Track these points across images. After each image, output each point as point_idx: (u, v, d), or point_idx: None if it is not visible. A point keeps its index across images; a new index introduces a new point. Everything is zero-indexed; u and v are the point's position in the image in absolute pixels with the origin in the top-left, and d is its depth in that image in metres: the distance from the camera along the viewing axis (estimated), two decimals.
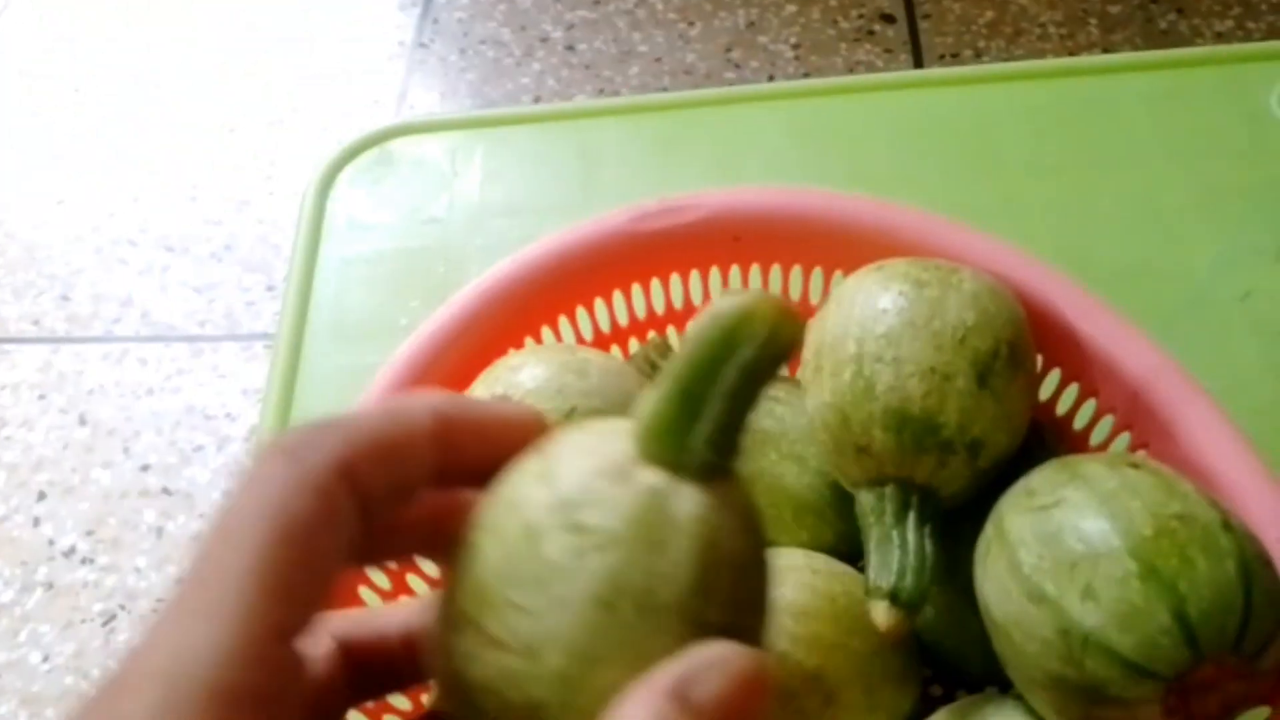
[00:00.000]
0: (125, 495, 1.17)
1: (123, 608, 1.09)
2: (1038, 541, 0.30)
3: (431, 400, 0.21)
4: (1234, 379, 0.52)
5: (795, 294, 0.43)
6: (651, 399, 0.20)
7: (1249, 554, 0.29)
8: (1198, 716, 0.28)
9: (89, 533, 1.14)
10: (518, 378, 0.36)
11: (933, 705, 0.41)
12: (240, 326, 1.27)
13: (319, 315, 0.55)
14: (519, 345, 0.41)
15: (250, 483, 0.18)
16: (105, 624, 1.08)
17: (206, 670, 0.16)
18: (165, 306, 1.29)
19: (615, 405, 0.36)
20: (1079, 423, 0.39)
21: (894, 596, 0.33)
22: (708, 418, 0.19)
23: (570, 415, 0.35)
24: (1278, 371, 0.52)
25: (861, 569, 0.35)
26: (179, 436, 1.20)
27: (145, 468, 1.18)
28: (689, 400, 0.19)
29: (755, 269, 0.43)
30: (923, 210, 0.40)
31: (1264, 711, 0.31)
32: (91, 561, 1.12)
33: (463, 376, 0.39)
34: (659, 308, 0.44)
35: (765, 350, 0.19)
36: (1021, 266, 0.38)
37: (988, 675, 0.37)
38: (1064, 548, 0.29)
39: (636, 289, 0.43)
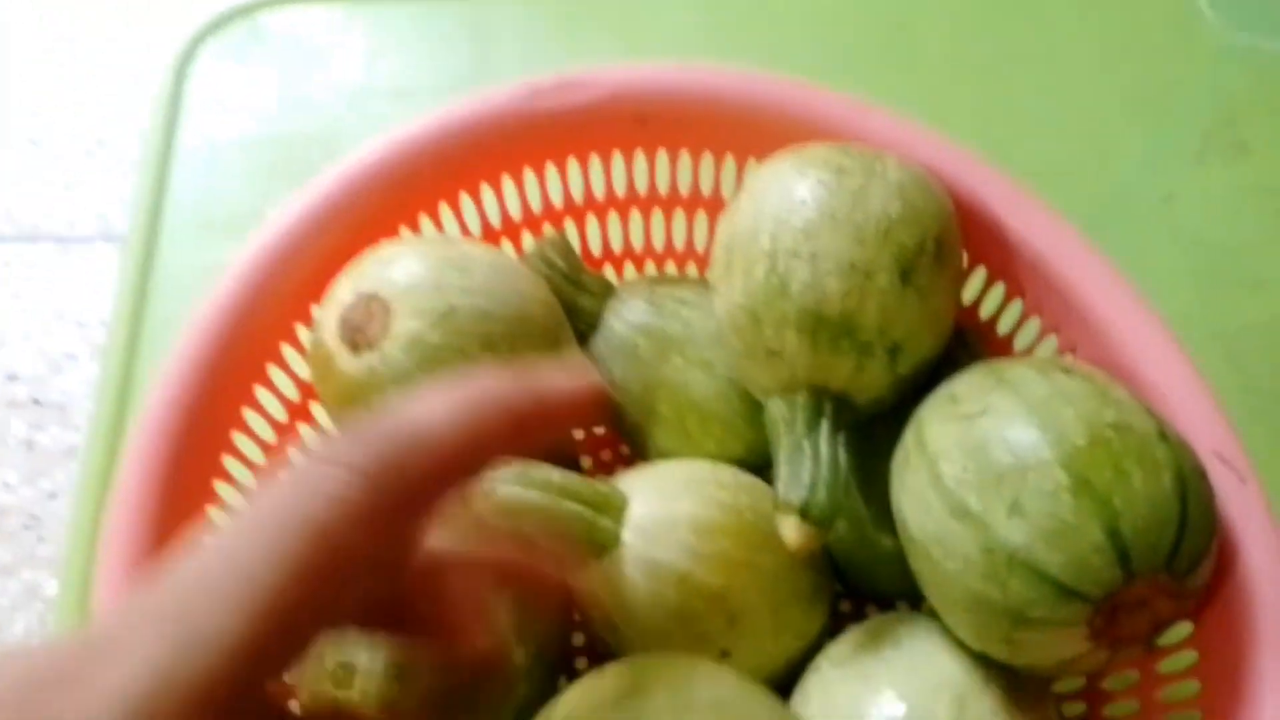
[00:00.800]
0: None
1: None
2: (962, 452, 0.28)
3: (503, 395, 0.19)
4: (1154, 284, 0.50)
5: (706, 185, 0.39)
6: None
7: (1185, 466, 0.27)
8: (1124, 637, 0.26)
9: None
10: (389, 273, 0.32)
11: (842, 622, 0.39)
12: (114, 227, 1.17)
13: (176, 208, 0.49)
14: (393, 236, 0.36)
15: (307, 490, 0.18)
16: None
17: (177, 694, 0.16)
18: (30, 205, 1.18)
19: (503, 306, 0.32)
20: (1004, 326, 0.37)
21: (804, 512, 0.30)
22: None
23: (449, 316, 0.31)
24: (1197, 277, 0.50)
25: (771, 482, 0.32)
26: (48, 344, 1.11)
27: (12, 377, 1.09)
28: None
29: (662, 154, 0.39)
30: (837, 92, 0.36)
31: (1186, 628, 0.30)
32: None
33: (326, 271, 0.34)
34: (556, 198, 0.39)
35: None
36: (948, 155, 0.35)
37: (900, 592, 0.35)
38: (990, 459, 0.27)
39: (530, 176, 0.38)
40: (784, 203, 0.32)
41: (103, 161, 1.21)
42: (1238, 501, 0.29)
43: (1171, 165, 0.53)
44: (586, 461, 0.43)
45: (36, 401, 1.09)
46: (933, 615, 0.31)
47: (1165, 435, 0.27)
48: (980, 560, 0.26)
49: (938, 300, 0.31)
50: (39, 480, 1.07)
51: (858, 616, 0.39)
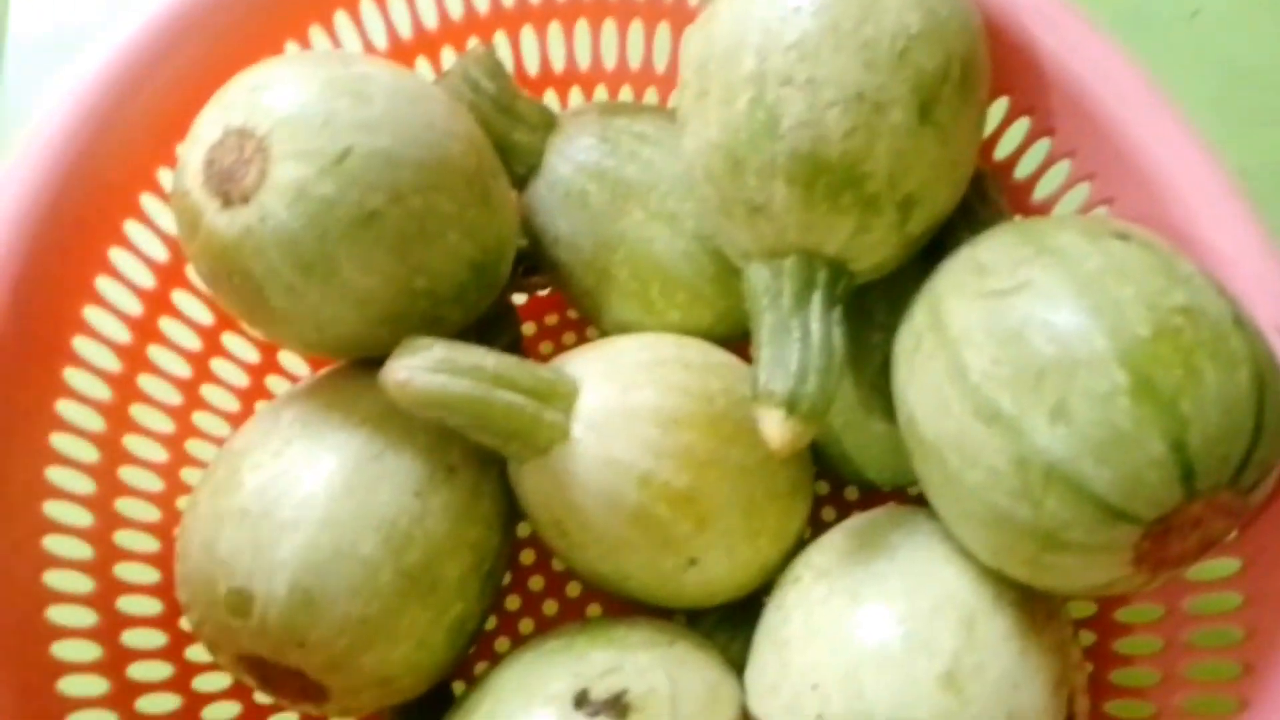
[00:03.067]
0: None
1: None
2: (992, 340, 0.22)
3: None
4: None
5: None
6: None
7: (1262, 359, 0.22)
8: (1170, 560, 0.22)
9: None
10: (265, 100, 0.25)
11: (819, 507, 0.35)
12: None
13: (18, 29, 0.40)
14: (277, 52, 0.29)
15: None
16: None
17: None
18: None
19: (414, 146, 0.25)
20: (1023, 169, 0.31)
21: (791, 405, 0.25)
22: None
23: (344, 160, 0.24)
24: (1223, 99, 0.45)
25: (748, 359, 0.27)
26: None
27: None
28: None
29: None
30: None
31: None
32: None
33: (191, 99, 0.26)
34: (481, 4, 0.32)
35: None
36: None
37: (890, 481, 0.31)
38: (1029, 350, 0.22)
39: None
40: (774, 10, 0.25)
41: None
42: None
43: None
44: (530, 328, 0.37)
45: None
46: (934, 518, 0.26)
47: (1240, 320, 0.22)
48: (1010, 472, 0.22)
49: (960, 141, 0.25)
50: None
51: (836, 500, 0.35)
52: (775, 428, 0.25)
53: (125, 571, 0.28)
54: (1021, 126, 0.30)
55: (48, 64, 0.41)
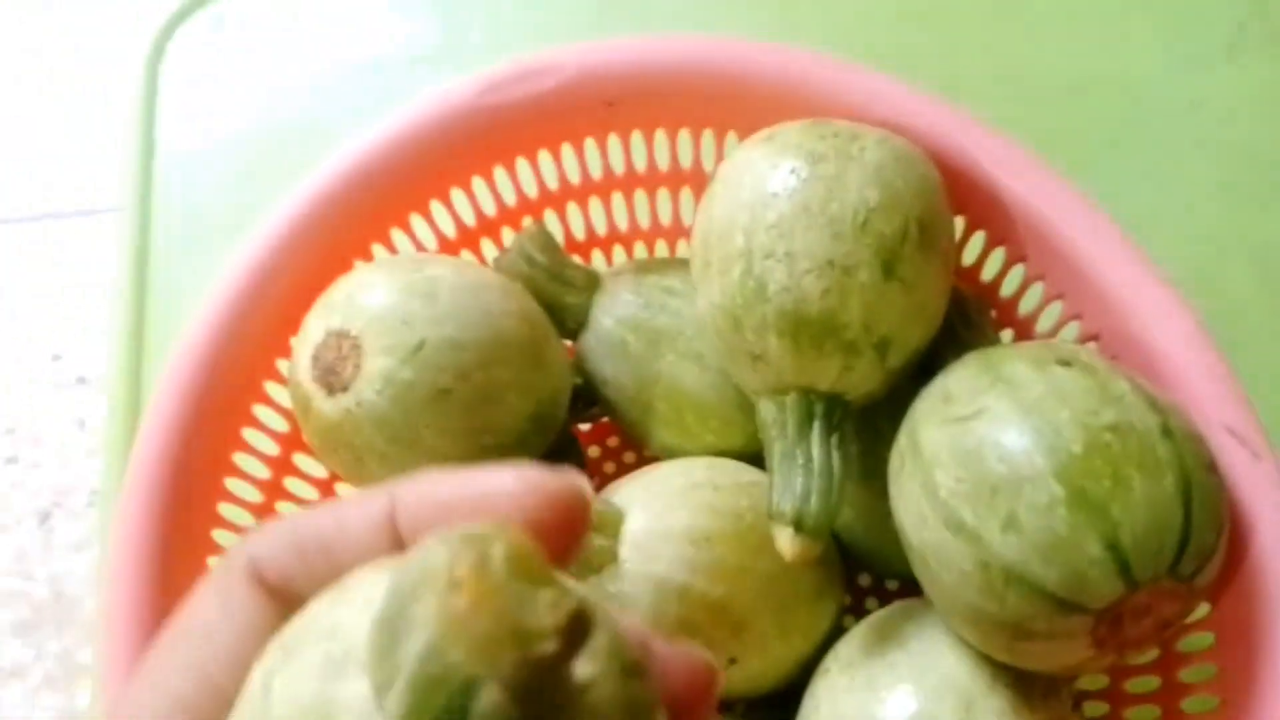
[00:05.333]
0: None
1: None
2: (955, 461, 0.26)
3: (391, 488, 0.17)
4: (1182, 196, 0.47)
5: (686, 160, 0.37)
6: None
7: (1189, 463, 0.25)
8: (1130, 643, 0.25)
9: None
10: (356, 304, 0.31)
11: (861, 598, 0.39)
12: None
13: (166, 205, 0.49)
14: (366, 255, 0.35)
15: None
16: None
17: None
18: (52, 180, 1.18)
19: (474, 330, 0.31)
20: (1008, 289, 0.35)
21: (798, 524, 0.29)
22: None
23: (419, 350, 0.30)
24: (1227, 188, 0.47)
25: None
26: (85, 320, 1.12)
27: (56, 358, 1.11)
28: None
29: (637, 136, 0.37)
30: (816, 53, 0.34)
31: (1204, 608, 0.29)
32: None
33: (300, 300, 0.33)
34: (530, 191, 0.38)
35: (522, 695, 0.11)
36: (939, 115, 0.33)
37: (914, 577, 0.35)
38: (984, 468, 0.26)
39: (501, 173, 0.37)
40: (757, 196, 0.30)
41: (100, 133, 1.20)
42: (1251, 479, 0.27)
43: (1196, 68, 0.50)
44: (595, 450, 0.42)
45: (81, 380, 1.11)
46: None
47: (1170, 430, 0.25)
48: (976, 574, 0.26)
49: (925, 289, 0.30)
50: (95, 457, 1.10)
51: (879, 591, 0.39)
52: (787, 543, 0.29)
53: None
54: (999, 254, 0.34)
55: (197, 170, 0.49)
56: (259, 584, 0.17)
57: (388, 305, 0.31)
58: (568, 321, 0.37)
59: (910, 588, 0.38)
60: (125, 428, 0.44)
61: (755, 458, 0.34)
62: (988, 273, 0.35)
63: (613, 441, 0.42)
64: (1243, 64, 0.50)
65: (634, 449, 0.42)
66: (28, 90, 1.22)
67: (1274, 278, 0.46)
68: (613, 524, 0.31)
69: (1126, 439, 0.25)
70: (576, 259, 0.39)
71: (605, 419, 0.42)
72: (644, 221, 0.40)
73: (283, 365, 0.34)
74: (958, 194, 0.32)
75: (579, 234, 0.40)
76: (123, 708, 0.17)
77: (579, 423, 0.41)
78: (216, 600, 0.17)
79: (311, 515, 0.17)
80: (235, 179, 0.50)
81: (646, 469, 0.34)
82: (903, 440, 0.29)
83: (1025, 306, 0.34)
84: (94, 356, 1.12)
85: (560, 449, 0.37)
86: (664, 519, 0.31)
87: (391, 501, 0.17)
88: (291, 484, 0.36)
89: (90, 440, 1.09)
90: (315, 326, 0.31)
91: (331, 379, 0.30)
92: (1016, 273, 0.34)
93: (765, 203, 0.29)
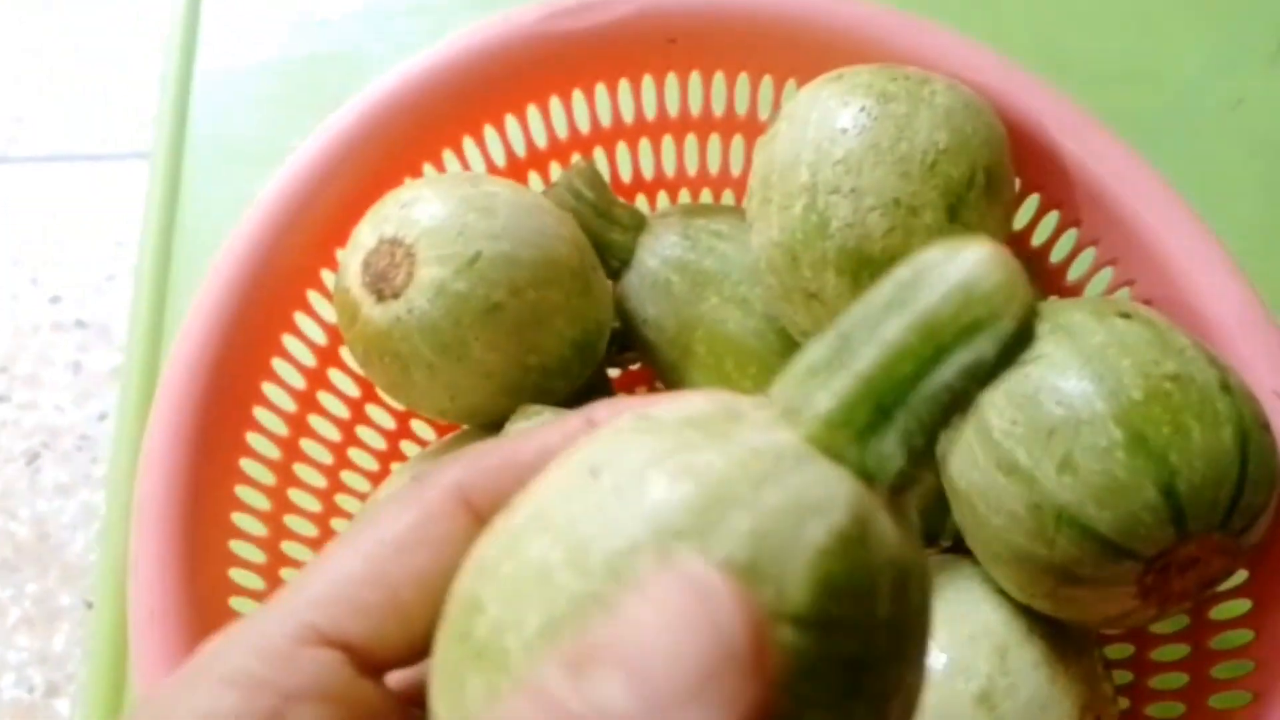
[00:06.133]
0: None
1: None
2: (1011, 404, 0.26)
3: (588, 411, 0.18)
4: (1223, 194, 0.47)
5: (742, 107, 0.37)
6: (830, 385, 0.14)
7: (1247, 419, 0.25)
8: (1174, 594, 0.25)
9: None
10: (411, 215, 0.31)
11: None
12: (144, 145, 1.16)
13: (198, 137, 0.48)
14: (416, 173, 0.35)
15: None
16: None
17: (228, 659, 0.16)
18: (63, 124, 1.17)
19: (529, 249, 0.31)
20: (1057, 255, 0.35)
21: None
22: (912, 416, 0.14)
23: (474, 262, 0.30)
24: (1270, 186, 0.47)
25: None
26: (88, 265, 1.12)
27: (55, 299, 1.10)
28: (888, 394, 0.14)
29: (695, 76, 0.37)
30: (888, 7, 0.34)
31: (1241, 575, 0.29)
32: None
33: (348, 214, 0.33)
34: (583, 125, 0.38)
35: (1009, 349, 0.14)
36: (1001, 73, 0.33)
37: (945, 531, 0.35)
38: (1041, 411, 0.26)
39: (556, 103, 0.37)
40: (825, 132, 0.30)
41: (130, 77, 1.19)
42: None
43: (1241, 66, 0.50)
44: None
45: (80, 323, 1.10)
46: (975, 560, 0.30)
47: (1228, 386, 0.25)
48: (1027, 516, 0.25)
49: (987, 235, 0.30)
50: (88, 402, 1.09)
51: None
52: None
53: None
54: (1052, 218, 0.34)
55: (234, 94, 0.49)
56: (467, 507, 0.17)
57: (444, 216, 0.30)
58: (611, 260, 0.37)
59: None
60: (148, 354, 0.43)
61: None
62: (1038, 238, 0.35)
63: (641, 390, 0.42)
64: None
65: None
66: (39, 31, 1.21)
67: None
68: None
69: (1187, 389, 0.25)
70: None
71: (636, 367, 0.42)
72: (691, 168, 0.40)
73: (327, 277, 0.34)
74: (1016, 153, 0.32)
75: (626, 176, 0.40)
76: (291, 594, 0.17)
77: (611, 366, 0.40)
78: (412, 516, 0.17)
79: (516, 445, 0.17)
80: (274, 107, 0.49)
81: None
82: None
83: (1075, 273, 0.34)
84: (95, 300, 1.11)
85: (593, 387, 0.37)
86: None
87: (588, 422, 0.17)
88: (324, 399, 0.35)
89: (85, 383, 1.08)
90: (368, 234, 0.31)
91: (382, 285, 0.30)
92: (1069, 237, 0.34)
93: (833, 139, 0.29)
